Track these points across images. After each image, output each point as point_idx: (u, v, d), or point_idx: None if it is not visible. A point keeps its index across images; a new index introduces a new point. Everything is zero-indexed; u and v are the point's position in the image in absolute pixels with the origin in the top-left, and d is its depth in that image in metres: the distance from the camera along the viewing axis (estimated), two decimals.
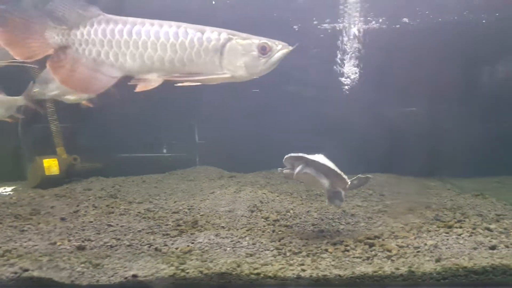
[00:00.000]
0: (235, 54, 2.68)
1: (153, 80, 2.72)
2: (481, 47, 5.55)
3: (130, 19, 2.70)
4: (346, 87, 5.44)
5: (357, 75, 5.42)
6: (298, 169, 2.90)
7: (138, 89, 2.72)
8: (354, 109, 5.51)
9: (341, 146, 5.53)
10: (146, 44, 2.64)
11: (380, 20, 5.37)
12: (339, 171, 3.00)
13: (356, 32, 5.29)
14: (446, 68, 5.52)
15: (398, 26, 5.69)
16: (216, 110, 5.61)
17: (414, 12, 5.51)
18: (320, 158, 2.98)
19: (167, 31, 2.65)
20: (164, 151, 5.73)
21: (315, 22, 5.52)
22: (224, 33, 2.69)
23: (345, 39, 5.32)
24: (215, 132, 5.72)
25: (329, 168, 2.94)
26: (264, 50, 2.68)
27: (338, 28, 5.45)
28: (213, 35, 2.67)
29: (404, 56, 5.36)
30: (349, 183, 3.08)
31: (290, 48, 2.73)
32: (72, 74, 2.72)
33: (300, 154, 2.97)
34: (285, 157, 3.07)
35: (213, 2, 5.15)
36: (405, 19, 5.48)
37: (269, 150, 5.75)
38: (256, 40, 2.69)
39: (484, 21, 5.63)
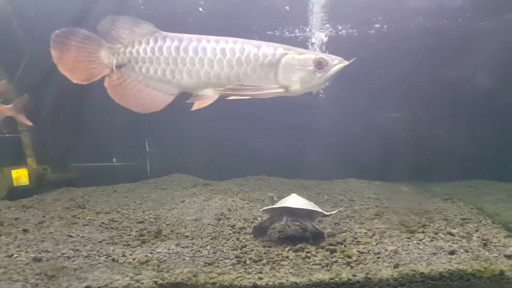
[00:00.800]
0: (290, 69, 2.68)
1: (209, 96, 2.72)
2: (455, 53, 5.61)
3: (186, 35, 2.71)
4: (320, 93, 5.47)
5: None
6: (284, 221, 2.96)
7: (195, 107, 2.73)
8: (327, 115, 5.54)
9: (314, 152, 5.59)
10: (202, 60, 2.65)
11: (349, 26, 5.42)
12: (313, 207, 3.07)
13: (325, 39, 5.33)
14: (419, 74, 5.58)
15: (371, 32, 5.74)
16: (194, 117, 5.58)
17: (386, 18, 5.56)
18: (295, 200, 3.06)
19: (224, 47, 2.66)
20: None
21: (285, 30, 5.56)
22: (280, 48, 2.70)
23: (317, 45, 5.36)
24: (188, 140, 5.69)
25: (307, 210, 3.02)
26: (320, 65, 2.68)
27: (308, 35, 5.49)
28: (269, 50, 2.68)
29: (377, 62, 5.40)
30: (325, 213, 3.14)
31: (346, 62, 2.71)
32: (129, 93, 2.73)
33: (278, 206, 3.03)
34: (263, 209, 3.15)
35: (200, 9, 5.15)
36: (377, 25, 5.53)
37: (244, 157, 5.78)
38: (313, 55, 2.70)
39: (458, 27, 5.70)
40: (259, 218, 3.64)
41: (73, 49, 2.68)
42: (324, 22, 5.24)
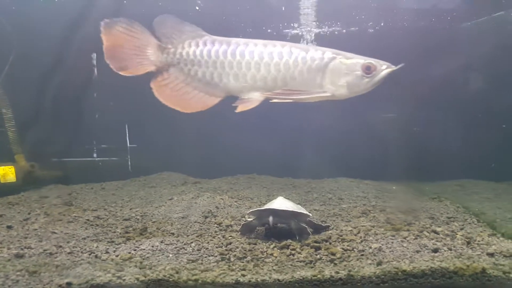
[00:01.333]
0: (338, 73, 2.68)
1: (254, 100, 2.73)
2: (444, 53, 5.62)
3: (234, 39, 2.74)
4: None
5: None
6: (271, 221, 2.96)
7: (239, 109, 2.74)
8: (318, 114, 5.54)
9: (305, 151, 5.59)
10: (249, 64, 2.68)
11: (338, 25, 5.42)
12: (299, 209, 3.10)
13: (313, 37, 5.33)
14: (409, 73, 5.58)
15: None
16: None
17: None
18: (281, 202, 3.09)
19: (271, 51, 2.67)
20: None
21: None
22: (328, 52, 2.70)
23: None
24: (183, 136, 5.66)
25: (292, 212, 3.03)
26: (368, 70, 2.68)
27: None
28: (317, 54, 2.69)
29: None
30: (310, 215, 3.17)
31: (394, 68, 2.71)
32: (176, 94, 2.76)
33: (265, 207, 3.07)
34: (250, 211, 3.16)
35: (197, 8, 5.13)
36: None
37: (235, 155, 5.76)
38: (361, 60, 2.70)
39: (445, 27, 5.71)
40: (246, 216, 3.63)
41: (122, 39, 2.70)
42: (315, 19, 5.23)
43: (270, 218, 2.96)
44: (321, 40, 5.43)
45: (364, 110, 5.76)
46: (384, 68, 2.70)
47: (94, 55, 4.95)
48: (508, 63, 5.21)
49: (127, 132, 5.25)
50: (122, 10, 4.96)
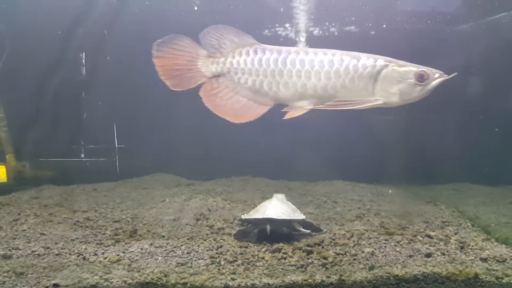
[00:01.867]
0: (390, 81, 2.65)
1: (302, 108, 2.75)
2: (442, 55, 5.60)
3: (284, 48, 2.72)
4: None
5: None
6: (268, 230, 2.91)
7: (287, 116, 2.75)
8: (314, 116, 5.50)
9: (300, 153, 5.56)
10: (300, 73, 2.66)
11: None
12: (294, 214, 3.10)
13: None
14: None
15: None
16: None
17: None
18: (277, 207, 3.07)
19: (322, 59, 2.65)
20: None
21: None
22: (381, 60, 2.67)
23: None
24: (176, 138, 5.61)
25: (290, 220, 3.02)
26: (421, 78, 2.65)
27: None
28: (369, 61, 2.66)
29: None
30: (304, 217, 3.15)
31: (447, 76, 2.69)
32: (226, 103, 2.75)
33: (262, 214, 2.99)
34: (245, 217, 3.10)
35: (195, 8, 5.10)
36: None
37: (230, 157, 5.72)
38: (414, 68, 2.67)
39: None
40: (240, 219, 3.59)
41: (174, 57, 2.74)
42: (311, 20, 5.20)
43: (268, 227, 2.92)
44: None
45: (359, 112, 5.75)
46: (437, 77, 2.67)
47: (83, 54, 4.91)
48: (503, 66, 5.20)
49: (115, 132, 5.19)
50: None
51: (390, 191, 4.98)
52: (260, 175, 5.80)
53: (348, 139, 5.52)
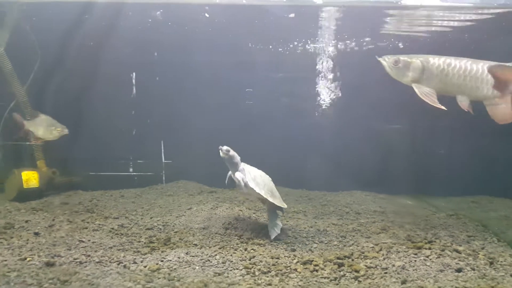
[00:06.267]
0: None
1: None
2: None
3: None
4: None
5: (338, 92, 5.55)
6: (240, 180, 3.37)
7: None
8: (332, 126, 5.59)
9: (319, 163, 5.62)
10: None
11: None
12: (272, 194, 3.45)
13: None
14: None
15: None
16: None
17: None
18: (259, 178, 3.46)
19: None
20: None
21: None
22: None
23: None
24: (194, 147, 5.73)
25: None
26: None
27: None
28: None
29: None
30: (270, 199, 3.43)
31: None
32: None
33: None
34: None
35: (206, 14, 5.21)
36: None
37: (250, 164, 5.80)
38: None
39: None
40: (266, 229, 3.66)
41: None
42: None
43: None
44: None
45: (376, 122, 5.80)
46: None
47: (133, 74, 5.05)
48: None
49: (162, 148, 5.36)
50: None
51: (410, 202, 5.03)
52: (278, 184, 5.85)
53: (365, 150, 5.58)
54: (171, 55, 5.48)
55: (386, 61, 3.23)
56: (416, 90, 3.15)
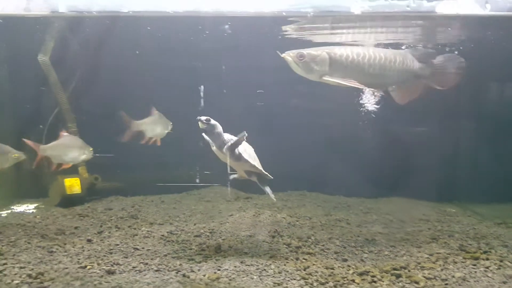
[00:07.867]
0: None
1: None
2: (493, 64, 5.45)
3: None
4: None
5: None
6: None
7: None
8: (369, 132, 5.51)
9: (352, 168, 5.56)
10: None
11: None
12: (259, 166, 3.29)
13: None
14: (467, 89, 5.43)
15: None
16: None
17: None
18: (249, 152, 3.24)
19: None
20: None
21: None
22: None
23: None
24: None
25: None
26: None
27: None
28: None
29: None
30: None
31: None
32: None
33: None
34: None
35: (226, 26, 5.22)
36: None
37: (284, 171, 5.78)
38: None
39: None
40: (312, 237, 3.65)
41: None
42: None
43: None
44: None
45: (413, 125, 5.71)
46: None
47: (202, 87, 5.08)
48: None
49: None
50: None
51: (453, 210, 4.95)
52: (314, 190, 5.84)
53: (404, 155, 5.51)
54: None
55: (291, 55, 3.07)
56: (327, 80, 3.11)
